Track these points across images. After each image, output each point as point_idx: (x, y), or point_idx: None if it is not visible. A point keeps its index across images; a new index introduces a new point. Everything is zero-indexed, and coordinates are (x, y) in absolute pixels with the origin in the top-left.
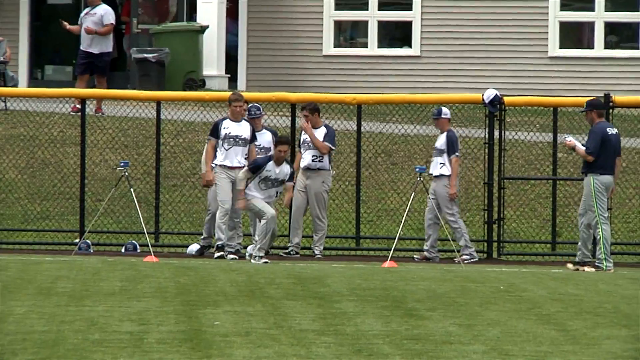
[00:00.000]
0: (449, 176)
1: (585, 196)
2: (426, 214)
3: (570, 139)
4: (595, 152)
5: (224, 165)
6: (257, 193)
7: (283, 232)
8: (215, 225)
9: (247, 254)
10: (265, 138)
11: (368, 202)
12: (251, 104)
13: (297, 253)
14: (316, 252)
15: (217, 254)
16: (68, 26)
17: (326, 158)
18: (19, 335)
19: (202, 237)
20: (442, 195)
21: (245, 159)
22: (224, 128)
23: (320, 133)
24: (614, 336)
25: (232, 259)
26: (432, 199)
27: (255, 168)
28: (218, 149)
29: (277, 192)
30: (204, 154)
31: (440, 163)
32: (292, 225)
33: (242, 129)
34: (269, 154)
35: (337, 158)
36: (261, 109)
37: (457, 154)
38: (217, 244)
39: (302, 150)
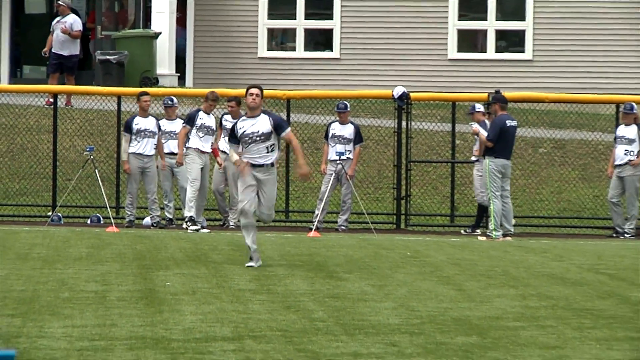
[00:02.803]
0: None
1: (482, 176)
2: (328, 191)
3: (476, 126)
4: (494, 140)
5: (199, 150)
6: (244, 150)
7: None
8: (186, 200)
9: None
10: (177, 125)
11: (296, 182)
12: (166, 96)
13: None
14: (231, 223)
15: (192, 228)
16: (47, 49)
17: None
18: (1, 294)
19: (128, 215)
20: (345, 175)
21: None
22: (200, 119)
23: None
24: (503, 295)
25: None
26: (336, 179)
27: (231, 133)
28: (191, 136)
29: (267, 148)
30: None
31: (348, 150)
32: (219, 203)
33: (211, 120)
34: None
35: None
36: (175, 100)
37: (362, 142)
38: (190, 216)
39: (222, 135)
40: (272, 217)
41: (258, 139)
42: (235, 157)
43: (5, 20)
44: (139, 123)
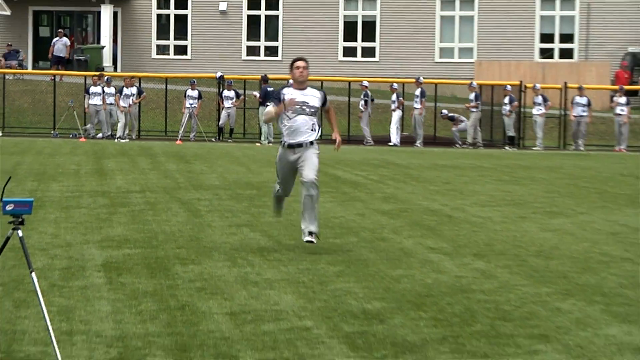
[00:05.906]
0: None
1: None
2: (185, 121)
3: (255, 93)
4: (263, 99)
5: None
6: (288, 122)
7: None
8: (118, 128)
9: (117, 138)
10: (112, 89)
11: (170, 117)
12: (107, 76)
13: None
14: (133, 136)
15: (121, 141)
16: (50, 54)
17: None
18: (27, 171)
19: (86, 129)
20: (193, 113)
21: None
22: (124, 91)
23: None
24: (269, 171)
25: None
26: (189, 116)
27: (274, 97)
28: (120, 99)
29: (312, 125)
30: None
31: (196, 102)
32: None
33: (129, 91)
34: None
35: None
36: (111, 79)
37: (202, 99)
38: (120, 135)
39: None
40: (315, 181)
41: (307, 109)
42: (271, 108)
43: (29, 40)
44: (92, 89)
